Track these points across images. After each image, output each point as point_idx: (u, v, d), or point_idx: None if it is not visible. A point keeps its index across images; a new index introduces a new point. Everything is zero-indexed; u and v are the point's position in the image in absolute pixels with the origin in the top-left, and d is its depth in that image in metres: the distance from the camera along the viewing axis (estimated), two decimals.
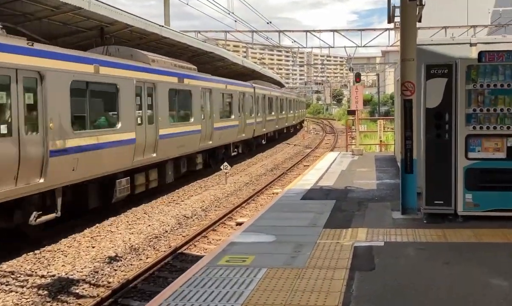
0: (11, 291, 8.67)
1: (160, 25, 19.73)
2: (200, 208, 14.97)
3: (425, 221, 8.65)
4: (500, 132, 8.47)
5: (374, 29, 39.99)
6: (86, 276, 9.46)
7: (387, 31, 37.26)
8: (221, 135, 22.37)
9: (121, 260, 10.43)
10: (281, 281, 5.89)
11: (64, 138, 11.52)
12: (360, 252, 6.97)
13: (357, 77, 25.67)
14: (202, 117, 20.29)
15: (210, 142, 21.04)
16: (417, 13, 9.52)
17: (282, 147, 35.47)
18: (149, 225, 13.00)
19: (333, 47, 38.68)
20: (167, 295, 5.61)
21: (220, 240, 11.44)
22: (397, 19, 10.06)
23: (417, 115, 9.12)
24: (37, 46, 10.96)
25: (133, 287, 8.85)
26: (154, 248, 11.28)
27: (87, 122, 12.74)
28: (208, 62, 28.27)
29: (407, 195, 9.14)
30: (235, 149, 25.83)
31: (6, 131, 10.00)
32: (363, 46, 39.44)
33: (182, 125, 18.39)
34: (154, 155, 15.93)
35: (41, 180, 10.84)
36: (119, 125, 14.04)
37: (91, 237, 12.03)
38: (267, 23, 30.64)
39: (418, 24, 9.50)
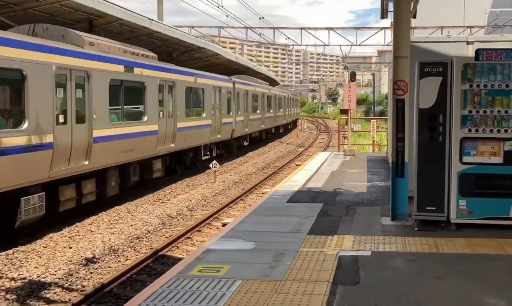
0: None
1: (150, 19, 19.30)
2: (186, 207, 14.57)
3: (416, 228, 8.16)
4: (497, 135, 7.98)
5: (370, 28, 39.49)
6: (59, 279, 9.00)
7: (383, 30, 36.89)
8: (187, 136, 19.19)
9: (98, 262, 9.99)
10: (256, 296, 5.37)
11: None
12: (345, 262, 6.45)
13: (352, 76, 25.15)
14: (161, 116, 17.07)
15: (172, 145, 17.91)
16: (411, 8, 9.03)
17: (274, 146, 35.10)
18: (131, 225, 12.57)
19: (328, 45, 38.27)
20: None
21: (204, 241, 10.96)
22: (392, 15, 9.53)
23: (410, 116, 8.62)
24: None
25: (108, 291, 8.41)
26: (134, 250, 10.85)
27: None
28: (202, 59, 27.86)
29: (397, 200, 8.65)
30: (208, 153, 22.44)
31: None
32: (359, 45, 39.04)
33: (130, 125, 15.15)
34: (87, 162, 12.92)
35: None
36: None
37: (69, 237, 11.56)
38: (260, 18, 30.09)
39: (414, 23, 9.01)
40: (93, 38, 14.03)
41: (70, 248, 10.74)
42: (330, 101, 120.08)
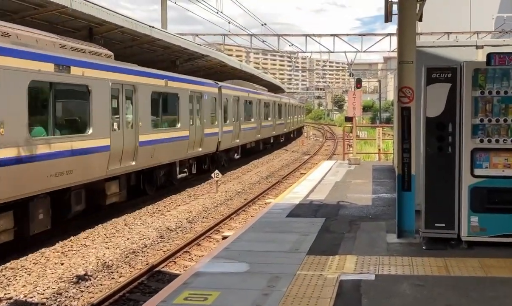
0: None
1: (150, 26, 19.01)
2: (186, 219, 14.10)
3: (424, 247, 7.55)
4: (511, 146, 7.36)
5: (375, 34, 39.03)
6: (47, 298, 8.52)
7: (389, 36, 36.36)
8: (154, 152, 16.04)
9: (91, 279, 9.51)
10: None
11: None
12: (346, 288, 5.86)
13: (358, 83, 24.65)
14: (114, 128, 13.86)
15: (133, 163, 14.74)
16: (417, 10, 8.44)
17: (279, 154, 34.64)
18: (128, 239, 12.10)
19: (333, 52, 37.80)
20: None
21: (203, 255, 10.44)
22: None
23: (417, 126, 8.03)
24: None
25: None
26: (129, 265, 10.39)
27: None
28: (206, 67, 27.51)
29: (404, 216, 8.05)
30: (185, 170, 19.23)
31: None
32: (364, 52, 38.59)
33: (64, 141, 11.77)
34: None
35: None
36: None
37: (62, 252, 11.09)
38: (262, 25, 29.62)
39: (419, 29, 8.42)
40: (9, 26, 10.96)
41: (62, 264, 10.29)
42: (336, 108, 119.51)
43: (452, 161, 7.59)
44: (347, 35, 37.81)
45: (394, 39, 34.39)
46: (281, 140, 41.74)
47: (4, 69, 10.03)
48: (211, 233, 12.56)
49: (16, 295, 8.55)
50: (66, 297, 8.57)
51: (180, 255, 10.88)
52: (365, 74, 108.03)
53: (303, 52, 39.66)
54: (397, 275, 6.34)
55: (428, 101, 7.60)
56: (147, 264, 10.22)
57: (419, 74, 8.01)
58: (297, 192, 13.26)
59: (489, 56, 7.40)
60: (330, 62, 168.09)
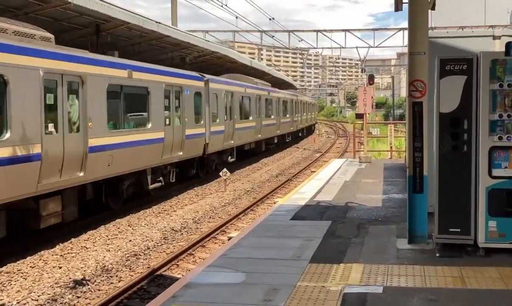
0: None
1: (157, 22, 18.58)
2: (192, 219, 13.72)
3: (437, 254, 6.95)
4: None
5: (388, 29, 38.46)
6: (41, 305, 8.14)
7: (402, 31, 35.66)
8: (113, 159, 13.11)
9: (88, 284, 9.10)
10: None
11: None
12: (350, 302, 5.28)
13: (370, 79, 24.06)
14: (49, 130, 11.01)
15: (80, 174, 11.92)
16: None
17: (291, 151, 34.24)
18: (130, 240, 11.73)
19: (344, 47, 37.24)
20: None
21: (206, 258, 9.99)
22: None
23: (429, 122, 7.42)
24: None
25: None
26: (130, 269, 10.00)
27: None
28: (216, 64, 27.08)
29: (415, 220, 7.45)
30: (160, 179, 16.42)
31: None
32: (376, 47, 38.01)
33: None
34: None
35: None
36: None
37: (61, 255, 10.75)
38: (270, 19, 29.01)
39: (433, 23, 7.79)
40: None
41: (60, 267, 9.95)
42: (349, 105, 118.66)
43: (468, 161, 6.98)
44: (359, 30, 37.20)
45: (407, 33, 33.67)
46: (287, 140, 38.55)
47: None
48: (217, 234, 12.19)
49: (9, 302, 8.22)
50: (61, 303, 8.23)
51: (184, 258, 10.52)
52: (378, 70, 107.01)
53: (314, 48, 39.14)
54: (408, 287, 5.74)
55: (441, 95, 6.99)
56: (148, 268, 9.84)
57: (431, 67, 7.41)
58: (304, 192, 12.69)
59: (508, 45, 6.77)
60: (343, 59, 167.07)
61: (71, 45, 13.60)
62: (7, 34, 10.36)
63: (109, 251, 10.93)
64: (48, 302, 8.21)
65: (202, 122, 19.27)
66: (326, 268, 6.49)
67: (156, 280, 9.31)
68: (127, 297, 8.42)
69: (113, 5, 15.37)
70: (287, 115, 36.75)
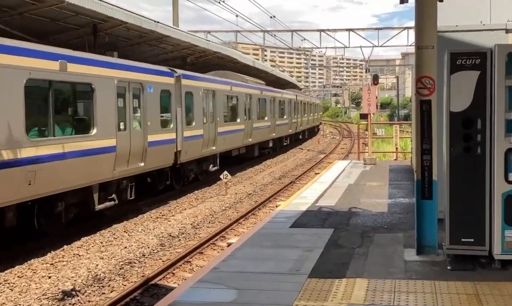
0: None
1: (155, 21, 18.09)
2: (191, 224, 13.26)
3: (448, 267, 6.34)
4: None
5: (392, 28, 37.73)
6: None
7: (406, 30, 35.09)
8: (36, 175, 10.34)
9: (78, 295, 8.65)
10: None
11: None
12: None
13: (375, 79, 23.42)
14: None
15: None
16: None
17: (294, 153, 33.76)
18: (126, 247, 11.29)
19: (348, 47, 36.71)
20: None
21: (203, 266, 9.53)
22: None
23: (439, 122, 6.81)
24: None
25: None
26: (123, 278, 9.58)
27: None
28: (218, 64, 26.61)
29: (424, 228, 6.83)
30: (113, 196, 13.35)
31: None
32: (381, 46, 37.43)
33: None
34: None
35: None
36: None
37: (51, 263, 10.32)
38: (271, 17, 28.47)
39: (440, 21, 7.14)
40: None
41: (49, 277, 9.52)
42: (354, 105, 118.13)
43: (482, 164, 6.38)
44: (363, 29, 36.63)
45: (412, 33, 33.02)
46: (285, 144, 35.46)
47: None
48: (216, 240, 11.76)
49: None
50: None
51: (180, 266, 10.11)
52: (382, 70, 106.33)
53: (318, 48, 38.59)
54: None
55: (452, 93, 6.39)
56: (142, 276, 9.45)
57: (440, 63, 6.81)
58: (305, 197, 12.09)
59: None
60: (347, 59, 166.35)
61: (68, 46, 13.29)
62: None
63: (102, 258, 10.50)
64: None
65: (171, 126, 16.33)
66: (326, 283, 5.88)
67: (150, 290, 8.88)
68: None
69: (110, 4, 14.94)
70: (285, 117, 34.02)
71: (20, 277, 9.50)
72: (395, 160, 22.48)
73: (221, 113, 20.89)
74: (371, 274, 6.15)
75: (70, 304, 8.34)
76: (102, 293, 8.81)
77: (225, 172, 17.56)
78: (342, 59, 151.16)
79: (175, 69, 17.14)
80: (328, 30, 35.98)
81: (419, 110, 6.85)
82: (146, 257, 10.63)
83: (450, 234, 6.45)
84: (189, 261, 10.33)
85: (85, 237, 11.91)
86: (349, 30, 35.69)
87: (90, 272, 9.66)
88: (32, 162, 10.26)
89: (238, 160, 24.98)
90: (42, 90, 11.08)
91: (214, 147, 19.93)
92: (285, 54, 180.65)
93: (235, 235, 12.11)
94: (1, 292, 8.74)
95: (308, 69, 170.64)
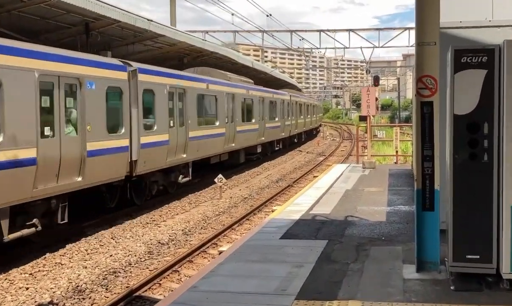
0: None
1: (149, 20, 17.60)
2: (182, 230, 12.77)
3: (452, 287, 5.73)
4: None
5: (393, 29, 37.15)
6: None
7: (407, 30, 34.57)
8: None
9: None
10: None
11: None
12: None
13: (376, 81, 22.91)
14: None
15: None
16: None
17: (293, 155, 33.24)
18: (111, 255, 10.79)
19: (348, 47, 36.20)
20: None
21: (193, 275, 8.98)
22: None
23: (441, 126, 6.20)
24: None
25: None
26: (106, 289, 9.07)
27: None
28: (216, 65, 26.14)
29: (425, 243, 6.23)
30: (34, 222, 10.66)
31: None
32: (381, 47, 36.90)
33: None
34: None
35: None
36: None
37: (31, 273, 9.79)
38: (267, 16, 27.89)
39: (443, 18, 6.54)
40: None
41: (27, 288, 9.01)
42: (355, 107, 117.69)
43: (489, 173, 5.78)
44: (363, 29, 36.09)
45: (413, 33, 32.48)
46: (276, 149, 32.46)
47: None
48: (207, 248, 11.31)
49: None
50: None
51: (168, 275, 9.63)
52: (383, 72, 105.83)
53: (317, 48, 38.06)
54: None
55: (456, 93, 5.79)
56: (127, 287, 8.95)
57: (443, 61, 6.20)
58: (299, 203, 11.50)
59: None
60: (348, 61, 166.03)
61: (60, 45, 12.93)
62: None
63: (85, 267, 9.99)
64: None
65: (123, 131, 13.59)
66: None
67: (134, 303, 8.40)
68: None
69: (102, 2, 14.47)
70: (276, 119, 31.03)
71: None
72: (395, 163, 21.93)
73: (193, 115, 18.05)
74: (365, 296, 5.53)
75: None
76: None
77: (220, 176, 17.07)
78: (343, 60, 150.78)
79: (130, 62, 14.41)
80: (328, 30, 35.45)
81: (420, 113, 6.25)
82: (132, 266, 10.15)
83: (453, 249, 5.84)
84: (178, 271, 9.86)
85: (70, 244, 11.40)
86: (349, 30, 35.15)
87: (71, 282, 9.16)
88: None
89: (229, 167, 23.39)
90: None
91: (184, 155, 17.17)
92: (286, 55, 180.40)
93: (228, 242, 11.62)
94: None
95: (308, 70, 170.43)
